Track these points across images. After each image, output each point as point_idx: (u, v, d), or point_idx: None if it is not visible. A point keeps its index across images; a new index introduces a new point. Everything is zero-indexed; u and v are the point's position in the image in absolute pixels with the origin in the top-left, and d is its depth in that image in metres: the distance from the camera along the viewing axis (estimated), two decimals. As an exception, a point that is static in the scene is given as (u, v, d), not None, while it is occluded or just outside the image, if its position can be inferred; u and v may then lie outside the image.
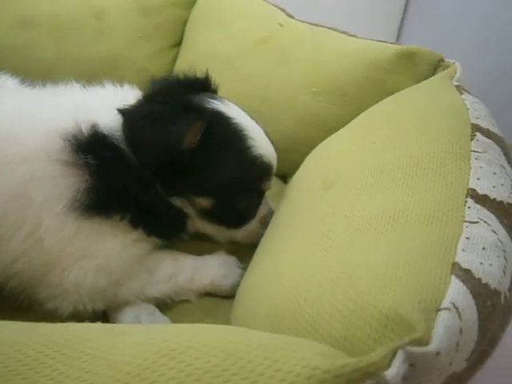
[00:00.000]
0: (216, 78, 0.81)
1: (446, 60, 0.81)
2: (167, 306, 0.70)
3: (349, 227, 0.49)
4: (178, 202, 0.69)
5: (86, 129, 0.63)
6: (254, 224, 0.76)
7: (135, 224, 0.65)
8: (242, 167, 0.69)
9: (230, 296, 0.71)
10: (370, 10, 1.88)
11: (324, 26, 1.05)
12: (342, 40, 0.98)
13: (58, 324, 0.35)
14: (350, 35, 1.01)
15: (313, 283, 0.43)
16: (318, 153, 0.78)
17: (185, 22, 1.29)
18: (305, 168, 0.79)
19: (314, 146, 0.89)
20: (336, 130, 0.90)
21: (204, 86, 0.77)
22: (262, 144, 0.70)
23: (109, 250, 0.64)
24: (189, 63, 1.21)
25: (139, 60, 1.27)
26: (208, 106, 0.69)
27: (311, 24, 1.07)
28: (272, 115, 0.98)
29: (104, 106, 0.66)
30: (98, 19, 1.22)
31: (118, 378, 0.27)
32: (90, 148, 0.62)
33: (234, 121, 0.69)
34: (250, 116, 0.73)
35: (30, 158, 0.61)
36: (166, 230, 0.70)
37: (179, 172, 0.65)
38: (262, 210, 0.76)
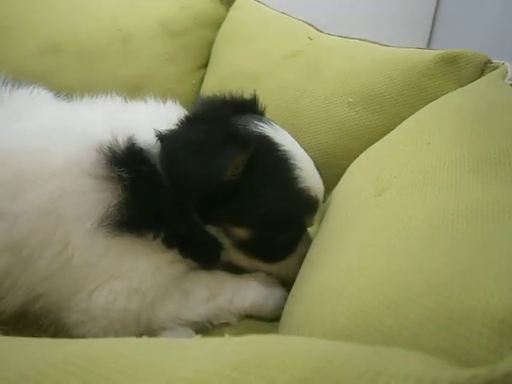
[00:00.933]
0: (246, 93, 0.79)
1: (493, 61, 0.76)
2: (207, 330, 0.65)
3: (416, 229, 0.44)
4: (213, 230, 0.64)
5: (122, 141, 0.59)
6: (292, 260, 0.68)
7: (170, 244, 0.61)
8: (287, 199, 0.64)
9: (271, 318, 0.67)
10: (398, 18, 1.86)
11: (354, 38, 1.03)
12: (375, 49, 0.95)
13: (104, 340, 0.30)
14: (382, 45, 0.98)
15: (385, 291, 0.37)
16: (362, 162, 0.74)
17: (211, 44, 1.28)
18: (348, 180, 0.74)
19: (352, 158, 0.85)
20: (375, 140, 0.85)
21: (251, 107, 0.74)
22: (309, 176, 0.65)
23: (141, 270, 0.60)
24: (216, 83, 1.22)
25: (166, 82, 1.25)
26: (255, 130, 0.65)
27: (341, 37, 1.05)
28: (305, 128, 0.94)
29: (144, 120, 0.64)
30: (124, 43, 1.22)
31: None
32: (126, 161, 0.58)
33: (282, 148, 0.64)
34: (299, 144, 0.69)
35: (61, 172, 0.58)
36: (202, 255, 0.65)
37: (217, 201, 0.61)
38: (302, 247, 0.69)
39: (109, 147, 0.59)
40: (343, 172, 0.83)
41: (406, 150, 0.60)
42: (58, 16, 1.21)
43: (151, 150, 0.60)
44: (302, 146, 0.69)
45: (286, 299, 0.67)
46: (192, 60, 1.27)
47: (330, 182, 0.81)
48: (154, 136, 0.60)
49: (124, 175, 0.57)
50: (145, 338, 0.34)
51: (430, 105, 0.73)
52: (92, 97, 0.74)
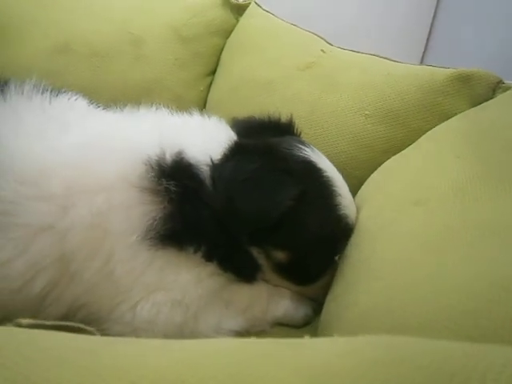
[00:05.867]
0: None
1: (505, 81, 0.82)
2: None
3: (463, 238, 0.47)
4: (254, 251, 0.65)
5: (170, 155, 0.60)
6: (320, 284, 0.71)
7: (209, 257, 0.62)
8: (328, 226, 0.66)
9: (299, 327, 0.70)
10: (393, 32, 1.94)
11: (365, 53, 1.07)
12: (389, 65, 0.99)
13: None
14: (393, 61, 1.03)
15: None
16: (390, 172, 0.77)
17: (220, 51, 1.30)
18: (372, 191, 0.76)
19: (368, 169, 0.88)
20: (390, 152, 0.90)
21: (288, 129, 0.76)
22: (348, 203, 0.68)
23: (184, 282, 0.61)
24: (225, 90, 1.24)
25: (174, 87, 1.26)
26: (299, 154, 0.67)
27: (352, 51, 1.08)
28: (320, 138, 0.97)
29: (191, 135, 0.65)
30: (135, 46, 1.22)
31: None
32: (173, 175, 0.59)
33: (325, 174, 0.67)
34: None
35: (109, 186, 0.59)
36: (241, 271, 0.66)
37: (265, 227, 0.62)
38: (329, 272, 0.71)
39: (156, 160, 0.60)
40: (357, 182, 0.86)
41: (436, 161, 0.63)
42: (70, 16, 1.20)
43: (199, 166, 0.61)
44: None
45: (313, 309, 0.71)
46: (201, 66, 1.28)
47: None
48: (201, 151, 0.61)
49: (171, 188, 0.58)
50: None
51: (450, 121, 0.78)
52: (135, 107, 0.74)
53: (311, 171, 0.66)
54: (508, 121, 0.65)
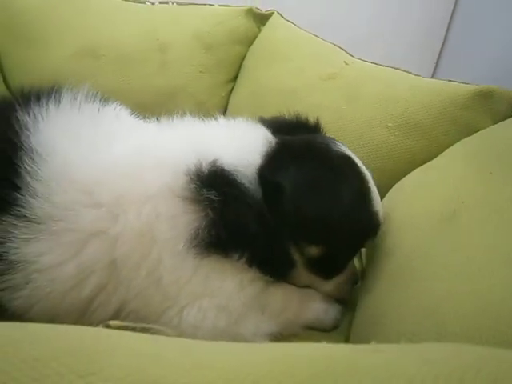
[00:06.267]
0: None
1: (524, 97, 0.85)
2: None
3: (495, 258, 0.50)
4: (291, 248, 0.67)
5: (206, 164, 0.62)
6: (343, 278, 0.75)
7: (251, 263, 0.64)
8: (364, 221, 0.69)
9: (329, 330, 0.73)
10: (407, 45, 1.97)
11: (388, 66, 1.10)
12: (411, 79, 1.02)
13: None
14: (415, 75, 1.06)
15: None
16: (412, 186, 0.80)
17: (242, 58, 1.34)
18: (398, 202, 0.79)
19: (387, 179, 0.92)
20: (411, 163, 0.93)
21: (315, 129, 0.79)
22: (378, 200, 0.71)
23: (228, 289, 0.63)
24: (246, 97, 1.27)
25: (197, 93, 1.30)
26: (339, 150, 0.70)
27: (375, 63, 1.12)
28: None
29: (224, 140, 0.67)
30: (161, 53, 1.25)
31: None
32: (212, 184, 0.61)
33: (362, 169, 0.70)
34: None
35: (155, 196, 0.61)
36: (279, 272, 0.69)
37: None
38: (351, 265, 0.77)
39: (195, 171, 0.61)
40: (379, 191, 0.90)
41: (468, 176, 0.66)
42: (99, 22, 1.24)
43: (236, 171, 0.63)
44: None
45: (342, 313, 0.75)
46: (223, 73, 1.32)
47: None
48: (237, 157, 0.64)
49: (212, 197, 0.60)
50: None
51: (472, 137, 0.81)
52: (169, 116, 0.76)
53: (351, 167, 0.69)
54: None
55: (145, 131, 0.74)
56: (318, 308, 0.72)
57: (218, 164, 0.62)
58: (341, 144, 0.73)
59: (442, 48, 1.95)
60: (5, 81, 1.25)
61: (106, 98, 0.76)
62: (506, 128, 0.76)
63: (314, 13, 1.88)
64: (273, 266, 0.67)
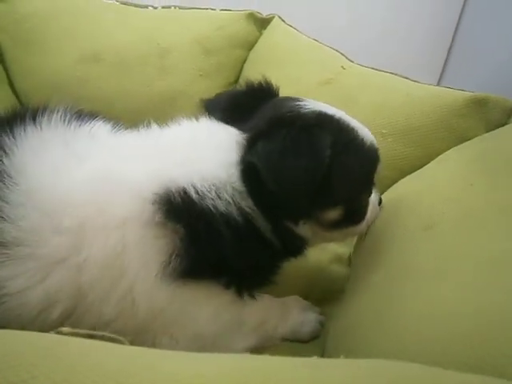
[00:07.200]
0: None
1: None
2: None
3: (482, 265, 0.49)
4: (303, 227, 0.64)
5: (175, 191, 0.58)
6: (370, 207, 0.72)
7: (228, 285, 0.63)
8: (363, 162, 0.67)
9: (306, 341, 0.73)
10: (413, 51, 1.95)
11: (385, 71, 1.09)
12: (409, 85, 1.01)
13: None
14: (412, 80, 1.05)
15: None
16: (400, 194, 0.79)
17: (243, 62, 1.34)
18: (384, 212, 0.79)
19: (382, 187, 0.91)
20: (404, 170, 0.92)
21: (268, 92, 0.74)
22: (366, 131, 0.68)
23: (203, 317, 0.62)
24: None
25: (197, 97, 1.30)
26: (305, 108, 0.65)
27: (373, 68, 1.11)
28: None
29: (192, 158, 0.63)
30: (161, 57, 1.27)
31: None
32: (178, 213, 0.58)
33: (337, 116, 0.65)
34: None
35: (122, 224, 0.58)
36: (259, 283, 0.68)
37: (313, 193, 0.59)
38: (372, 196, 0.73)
39: (163, 198, 0.58)
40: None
41: (449, 187, 0.66)
42: (100, 27, 1.25)
43: (203, 196, 0.59)
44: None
45: (320, 323, 0.75)
46: (224, 77, 1.32)
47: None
48: (203, 178, 0.59)
49: (181, 227, 0.58)
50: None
51: (463, 145, 0.80)
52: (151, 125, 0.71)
53: (324, 118, 0.65)
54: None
55: (115, 151, 0.67)
56: (294, 320, 0.73)
57: (186, 191, 0.58)
58: (306, 100, 0.68)
59: (448, 53, 1.93)
60: (11, 86, 1.27)
61: (89, 113, 0.73)
62: (494, 138, 0.75)
63: (315, 17, 1.88)
64: (258, 278, 0.66)
